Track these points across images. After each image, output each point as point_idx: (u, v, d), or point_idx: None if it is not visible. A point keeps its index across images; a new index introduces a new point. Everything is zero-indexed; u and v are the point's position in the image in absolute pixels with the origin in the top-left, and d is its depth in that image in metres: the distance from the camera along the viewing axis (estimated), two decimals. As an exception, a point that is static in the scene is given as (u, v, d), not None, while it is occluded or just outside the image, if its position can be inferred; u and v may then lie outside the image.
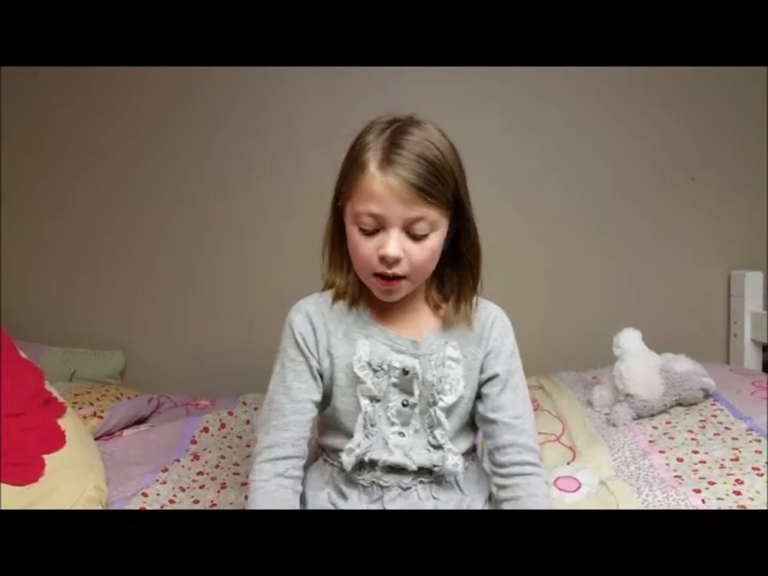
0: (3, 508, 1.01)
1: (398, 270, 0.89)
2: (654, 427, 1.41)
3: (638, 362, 1.47)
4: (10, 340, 1.29)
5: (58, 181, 2.03)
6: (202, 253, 2.03)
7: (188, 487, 1.26)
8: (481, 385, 0.98)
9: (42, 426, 1.18)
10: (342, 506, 0.97)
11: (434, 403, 0.94)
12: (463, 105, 1.97)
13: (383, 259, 0.88)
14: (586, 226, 2.04)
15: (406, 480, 0.96)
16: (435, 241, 0.90)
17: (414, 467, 0.94)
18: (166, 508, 1.18)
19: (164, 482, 1.26)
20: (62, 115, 2.00)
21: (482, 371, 0.98)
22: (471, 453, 1.04)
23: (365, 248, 0.89)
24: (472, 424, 1.01)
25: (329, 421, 0.99)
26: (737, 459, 1.21)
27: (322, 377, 0.97)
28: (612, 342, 1.53)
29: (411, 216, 0.86)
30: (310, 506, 0.98)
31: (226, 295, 2.03)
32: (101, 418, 1.53)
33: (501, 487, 0.96)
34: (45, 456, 1.13)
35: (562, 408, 1.54)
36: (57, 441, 1.18)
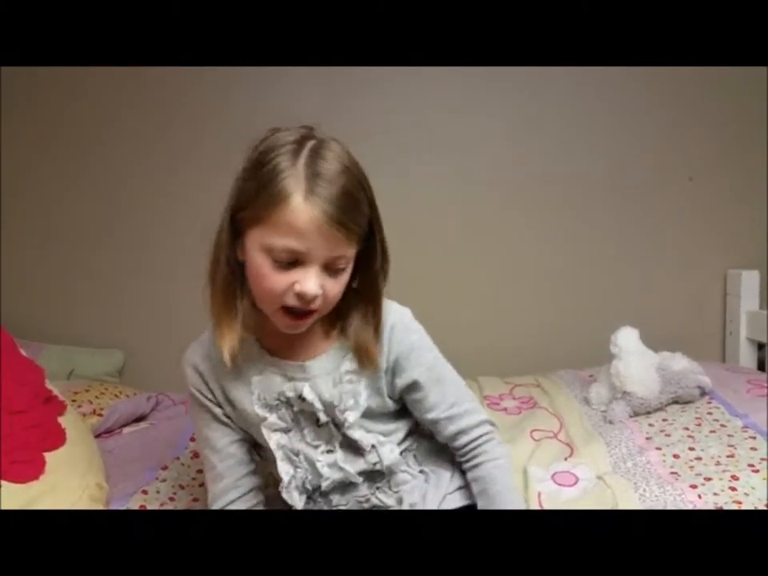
0: (3, 506, 1.01)
1: (314, 306, 0.83)
2: (650, 424, 1.42)
3: (635, 360, 1.48)
4: (11, 338, 1.29)
5: (57, 180, 2.03)
6: (201, 251, 2.02)
7: (188, 485, 1.26)
8: (402, 391, 0.94)
9: (44, 423, 1.19)
10: None
11: (342, 423, 0.90)
12: (463, 104, 1.98)
13: (300, 296, 0.81)
14: (584, 226, 2.05)
15: (361, 492, 0.94)
16: (348, 272, 0.86)
17: (357, 477, 0.92)
18: (165, 506, 1.19)
19: (164, 480, 1.27)
20: (62, 115, 2.00)
21: (395, 376, 0.92)
22: (412, 433, 1.01)
23: (276, 282, 0.81)
24: (400, 414, 0.98)
25: (263, 458, 0.98)
26: (732, 456, 1.22)
27: (231, 419, 0.95)
28: (609, 341, 1.54)
29: (334, 255, 0.81)
30: None
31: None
32: (100, 416, 1.53)
33: (461, 463, 0.96)
34: (45, 454, 1.14)
35: (560, 405, 1.55)
36: (58, 439, 1.19)
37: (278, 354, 0.92)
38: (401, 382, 0.92)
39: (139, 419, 1.65)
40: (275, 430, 0.91)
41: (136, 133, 2.01)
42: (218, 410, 0.94)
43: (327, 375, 0.91)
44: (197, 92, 1.98)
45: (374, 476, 0.95)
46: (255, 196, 0.81)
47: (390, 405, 0.95)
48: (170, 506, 1.19)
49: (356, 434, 0.91)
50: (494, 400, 1.63)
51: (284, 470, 0.91)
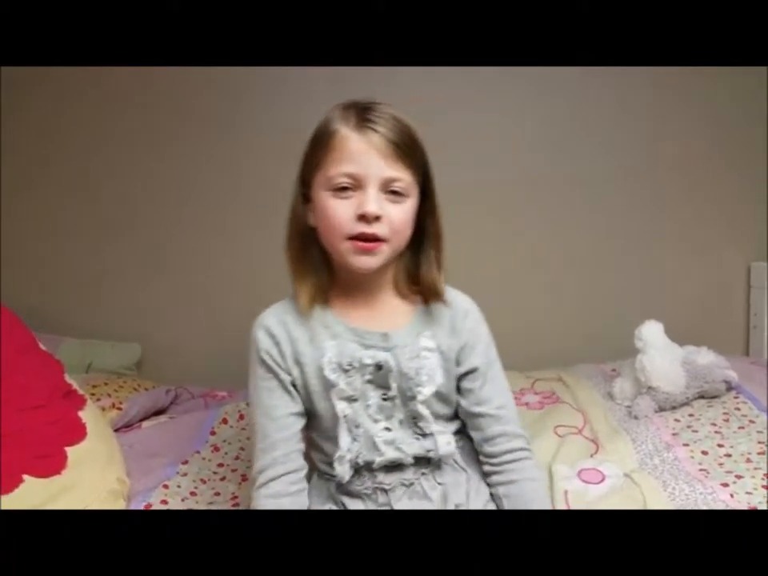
0: (28, 501, 1.01)
1: (378, 230, 0.86)
2: (676, 420, 1.40)
3: (661, 355, 1.46)
4: (31, 332, 1.29)
5: (76, 174, 2.03)
6: (218, 244, 2.02)
7: (209, 479, 1.26)
8: (459, 379, 0.96)
9: (64, 418, 1.18)
10: None
11: (413, 397, 0.92)
12: (473, 97, 1.95)
13: (363, 217, 0.85)
14: (605, 218, 2.02)
15: (407, 475, 0.94)
16: (411, 206, 0.89)
17: (410, 459, 0.92)
18: (186, 500, 1.18)
19: (185, 474, 1.26)
20: (86, 107, 2.00)
21: (458, 364, 0.96)
22: (463, 431, 1.02)
23: (340, 210, 0.86)
24: (455, 411, 0.99)
25: (315, 432, 0.97)
26: (763, 453, 1.19)
27: (296, 387, 0.93)
28: (631, 335, 1.51)
29: (389, 175, 0.86)
30: None
31: (241, 286, 2.02)
32: (119, 409, 1.53)
33: (493, 473, 0.96)
34: (67, 448, 1.13)
35: (583, 401, 1.52)
36: (78, 433, 1.18)
37: (356, 324, 0.94)
38: (463, 367, 0.96)
39: (158, 413, 1.64)
40: (342, 398, 0.91)
41: (149, 126, 2.00)
42: (285, 376, 0.93)
43: (406, 347, 0.93)
44: (212, 90, 1.97)
45: (423, 462, 0.95)
46: (313, 150, 0.89)
47: (454, 390, 0.97)
48: (191, 501, 1.18)
49: (424, 411, 0.92)
50: (515, 395, 1.60)
51: (343, 439, 0.91)
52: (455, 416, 1.00)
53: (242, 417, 1.54)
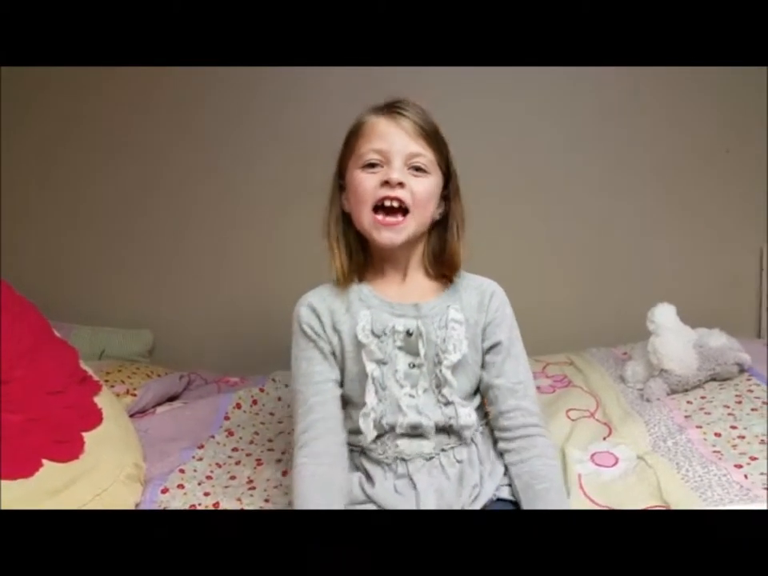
0: (47, 485, 1.02)
1: (400, 195, 0.94)
2: (688, 402, 1.40)
3: (673, 337, 1.45)
4: (45, 319, 1.30)
5: (87, 163, 2.03)
6: (229, 230, 2.02)
7: (224, 463, 1.27)
8: (484, 353, 1.03)
9: (80, 403, 1.19)
10: (370, 491, 0.98)
11: (440, 362, 0.98)
12: (487, 88, 1.94)
13: (386, 183, 0.94)
14: (617, 201, 2.00)
15: (427, 448, 0.98)
16: (432, 182, 0.97)
17: (431, 424, 0.97)
18: (203, 484, 1.19)
19: (200, 459, 1.27)
20: (99, 97, 2.00)
21: (483, 339, 1.02)
22: (484, 417, 1.06)
23: (366, 180, 0.95)
24: (477, 389, 1.05)
25: (345, 400, 1.02)
26: (777, 434, 1.19)
27: (335, 356, 1.01)
28: (641, 319, 1.50)
29: (413, 150, 0.95)
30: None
31: (251, 273, 2.02)
32: (134, 395, 1.54)
33: (507, 451, 1.01)
34: (84, 433, 1.14)
35: (595, 384, 1.52)
36: (94, 418, 1.20)
37: (389, 297, 1.01)
38: (488, 342, 1.02)
39: (171, 398, 1.66)
40: (372, 360, 0.97)
41: (163, 119, 2.00)
42: (324, 345, 1.00)
43: (435, 317, 0.99)
44: (226, 85, 1.96)
45: (443, 435, 0.99)
46: (347, 141, 1.00)
47: (479, 363, 1.02)
48: (207, 485, 1.19)
49: (449, 376, 0.97)
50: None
51: (370, 398, 0.97)
52: (476, 393, 1.05)
53: (254, 402, 1.55)
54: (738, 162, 1.99)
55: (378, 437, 0.98)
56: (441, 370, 0.97)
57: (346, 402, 1.02)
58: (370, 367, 0.97)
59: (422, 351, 0.97)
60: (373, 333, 0.97)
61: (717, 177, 2.00)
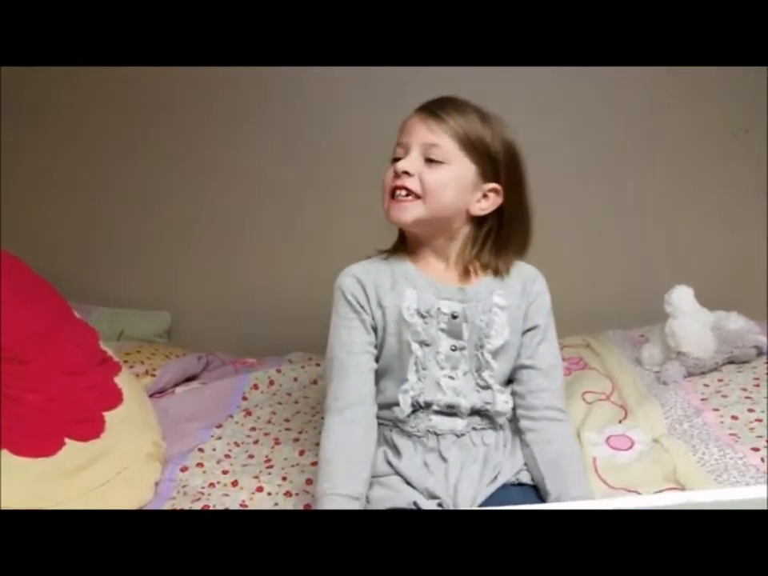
0: (69, 464, 1.04)
1: (406, 183, 0.96)
2: (705, 385, 1.39)
3: (691, 320, 1.44)
4: (65, 301, 1.32)
5: (106, 146, 2.04)
6: (246, 213, 2.03)
7: (242, 442, 1.29)
8: (522, 335, 1.04)
9: (101, 384, 1.22)
10: (396, 464, 0.99)
11: (482, 346, 1.00)
12: (499, 82, 1.91)
13: (395, 171, 0.97)
14: (633, 184, 1.99)
15: (459, 426, 1.00)
16: (450, 172, 0.97)
17: (467, 405, 0.99)
18: (221, 463, 1.21)
19: (219, 438, 1.29)
20: (111, 87, 2.00)
21: (523, 322, 1.04)
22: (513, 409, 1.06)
23: (388, 172, 0.99)
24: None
25: (380, 373, 1.03)
26: (795, 418, 1.19)
27: (375, 330, 1.02)
28: (657, 302, 1.49)
29: (427, 141, 0.96)
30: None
31: (269, 256, 2.04)
32: (153, 376, 1.56)
33: (531, 430, 1.02)
34: (104, 413, 1.17)
35: (611, 367, 1.52)
36: (115, 398, 1.22)
37: (435, 279, 1.02)
38: (527, 324, 1.04)
39: (189, 379, 1.68)
40: (415, 340, 0.99)
41: (180, 106, 2.00)
42: (366, 317, 1.01)
43: (480, 302, 1.01)
44: (242, 80, 1.96)
45: (476, 418, 1.01)
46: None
47: (515, 351, 1.04)
48: (225, 463, 1.21)
49: (491, 360, 1.00)
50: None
51: (411, 376, 0.99)
52: (509, 381, 1.06)
53: (271, 383, 1.57)
54: (752, 145, 1.96)
55: (413, 411, 1.00)
56: (483, 354, 0.99)
57: (380, 376, 1.03)
58: (414, 347, 0.98)
59: (465, 335, 0.99)
60: (418, 313, 0.99)
61: (732, 159, 1.97)
